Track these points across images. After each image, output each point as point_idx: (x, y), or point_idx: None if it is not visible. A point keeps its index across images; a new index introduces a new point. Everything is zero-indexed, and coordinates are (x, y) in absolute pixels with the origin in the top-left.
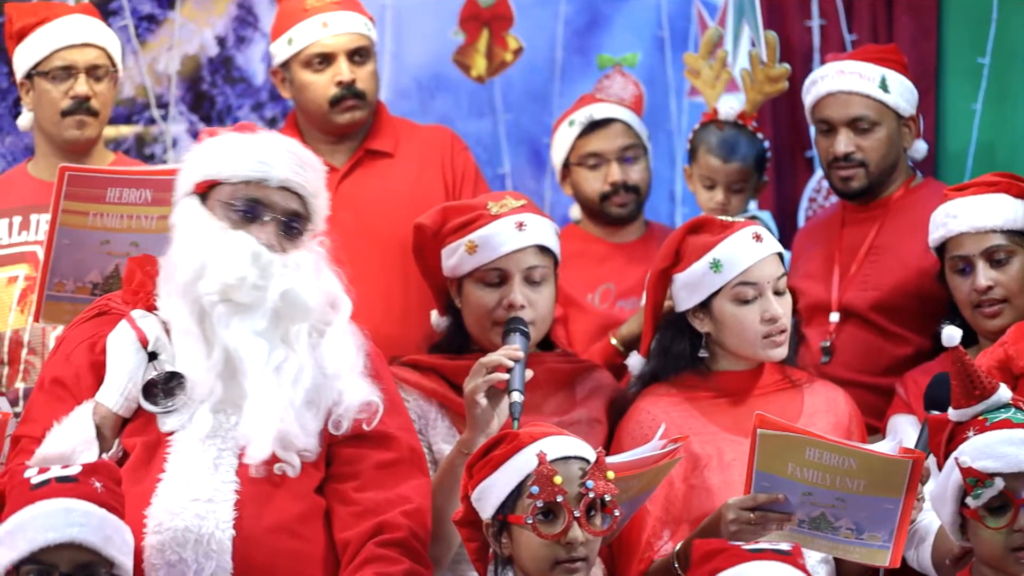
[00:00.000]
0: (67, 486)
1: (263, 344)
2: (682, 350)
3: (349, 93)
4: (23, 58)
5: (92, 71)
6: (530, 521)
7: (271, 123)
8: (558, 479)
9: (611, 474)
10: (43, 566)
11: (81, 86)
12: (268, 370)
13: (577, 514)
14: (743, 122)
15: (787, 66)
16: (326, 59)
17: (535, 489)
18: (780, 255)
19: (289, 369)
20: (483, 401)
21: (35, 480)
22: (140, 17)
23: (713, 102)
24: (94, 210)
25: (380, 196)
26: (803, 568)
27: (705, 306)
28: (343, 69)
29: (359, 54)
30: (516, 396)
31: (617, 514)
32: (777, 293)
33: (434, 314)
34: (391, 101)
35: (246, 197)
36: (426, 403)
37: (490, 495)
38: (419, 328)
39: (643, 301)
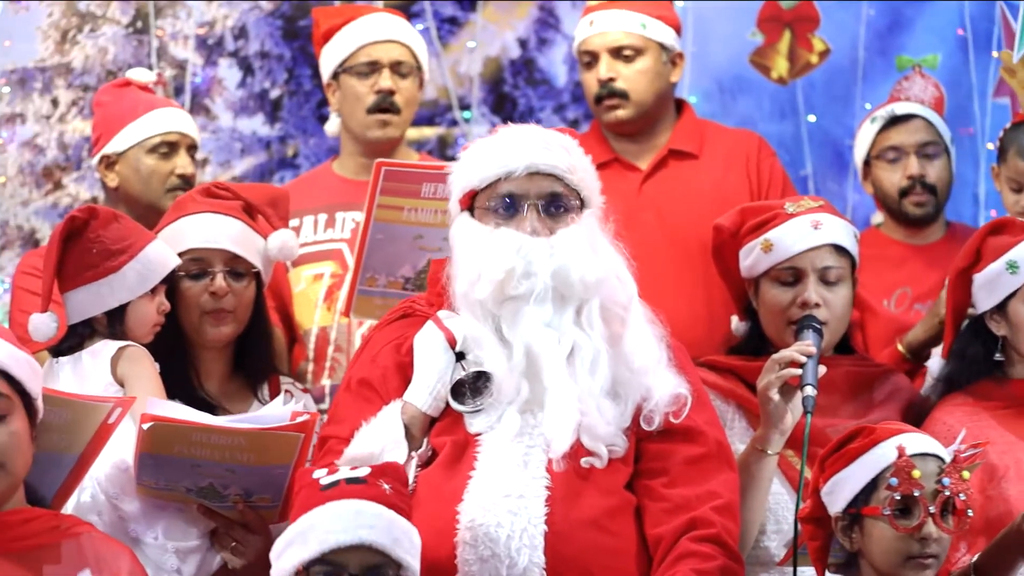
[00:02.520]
0: (357, 488)
1: (553, 334)
2: (976, 354)
3: (606, 91)
4: (330, 58)
5: (396, 67)
6: (887, 512)
7: (573, 125)
8: (916, 473)
9: (966, 474)
10: (333, 567)
11: (385, 80)
12: (562, 360)
13: (932, 510)
14: None
15: None
16: (593, 57)
17: (894, 481)
18: None
19: (584, 357)
20: (775, 396)
21: (325, 481)
22: (442, 19)
23: None
24: (409, 205)
25: (683, 197)
26: None
27: (1001, 308)
28: (601, 67)
29: (624, 52)
30: (809, 390)
31: (971, 514)
32: None
33: (734, 319)
34: (693, 103)
35: (500, 195)
36: (723, 404)
37: (843, 488)
38: (723, 331)
39: (938, 305)
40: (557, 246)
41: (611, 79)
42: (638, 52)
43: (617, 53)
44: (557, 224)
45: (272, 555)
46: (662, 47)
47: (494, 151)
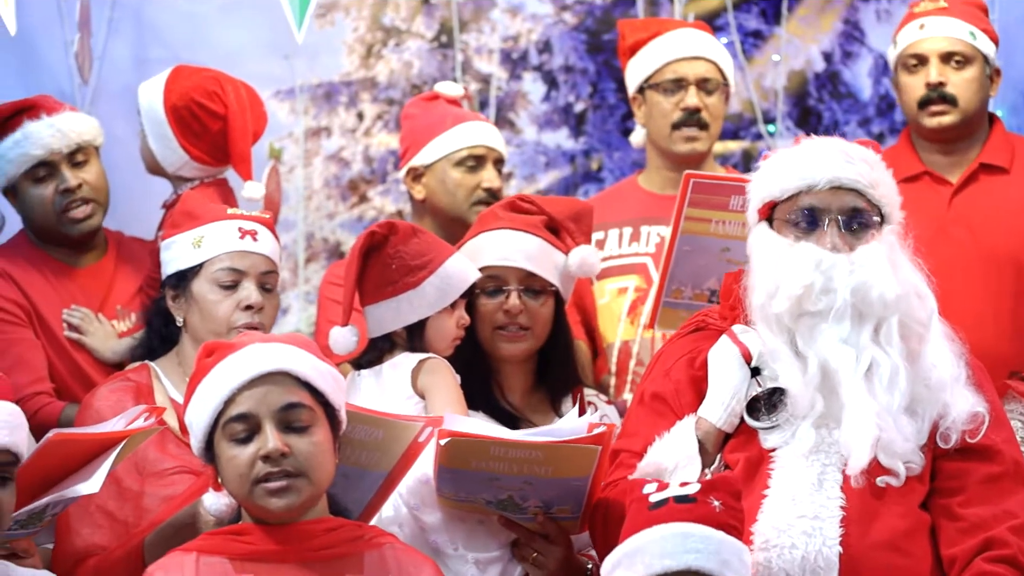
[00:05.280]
0: (685, 507)
1: (850, 351)
2: None
3: (936, 95)
4: (635, 72)
5: (703, 84)
6: None
7: (878, 138)
8: None
9: None
10: None
11: (692, 98)
12: (860, 377)
13: None
14: None
15: None
16: (921, 60)
17: None
18: None
19: (883, 373)
20: None
21: (653, 499)
22: (746, 33)
23: None
24: (717, 217)
25: (994, 211)
26: None
27: None
28: (932, 70)
29: (955, 58)
30: None
31: None
32: None
33: None
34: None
35: (801, 208)
36: None
37: None
38: None
39: None
40: (858, 263)
41: (941, 83)
42: (967, 60)
43: (948, 59)
44: (858, 240)
45: (602, 573)
46: (986, 59)
47: (796, 163)
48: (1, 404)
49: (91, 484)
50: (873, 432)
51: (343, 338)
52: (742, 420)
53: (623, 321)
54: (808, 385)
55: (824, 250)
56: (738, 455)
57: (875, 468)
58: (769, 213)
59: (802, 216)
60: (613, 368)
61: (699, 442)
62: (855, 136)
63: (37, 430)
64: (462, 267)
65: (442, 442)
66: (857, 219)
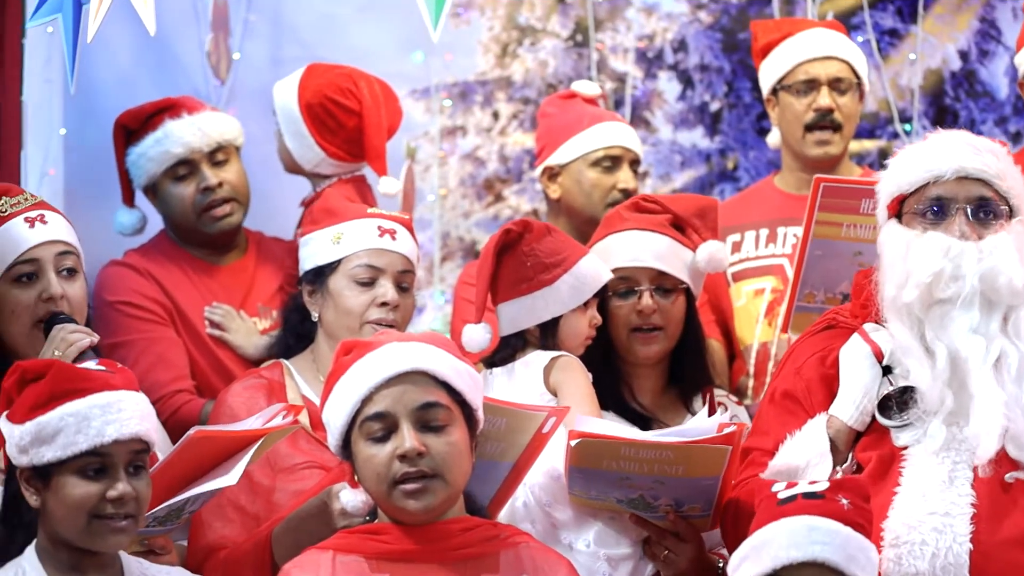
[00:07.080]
0: (813, 503)
1: (980, 341)
2: None
3: None
4: (768, 73)
5: (835, 84)
6: None
7: (1015, 137)
8: None
9: None
10: None
11: (824, 99)
12: (989, 367)
13: None
14: None
15: None
16: None
17: None
18: None
19: (1011, 364)
20: None
21: (782, 496)
22: (882, 31)
23: None
24: (848, 221)
25: None
26: None
27: None
28: None
29: None
30: None
31: None
32: None
33: None
34: None
35: (929, 198)
36: None
37: None
38: None
39: None
40: (986, 250)
41: None
42: None
43: None
44: (986, 230)
45: (729, 568)
46: None
47: (923, 156)
48: (131, 395)
49: (230, 477)
50: (1001, 421)
51: (477, 335)
52: (873, 418)
53: (760, 323)
54: (937, 380)
55: (952, 238)
56: (870, 453)
57: (1004, 463)
58: (898, 209)
59: (930, 206)
60: (751, 370)
61: (830, 440)
62: (991, 135)
63: (179, 427)
64: (596, 267)
65: (573, 443)
66: (984, 208)
